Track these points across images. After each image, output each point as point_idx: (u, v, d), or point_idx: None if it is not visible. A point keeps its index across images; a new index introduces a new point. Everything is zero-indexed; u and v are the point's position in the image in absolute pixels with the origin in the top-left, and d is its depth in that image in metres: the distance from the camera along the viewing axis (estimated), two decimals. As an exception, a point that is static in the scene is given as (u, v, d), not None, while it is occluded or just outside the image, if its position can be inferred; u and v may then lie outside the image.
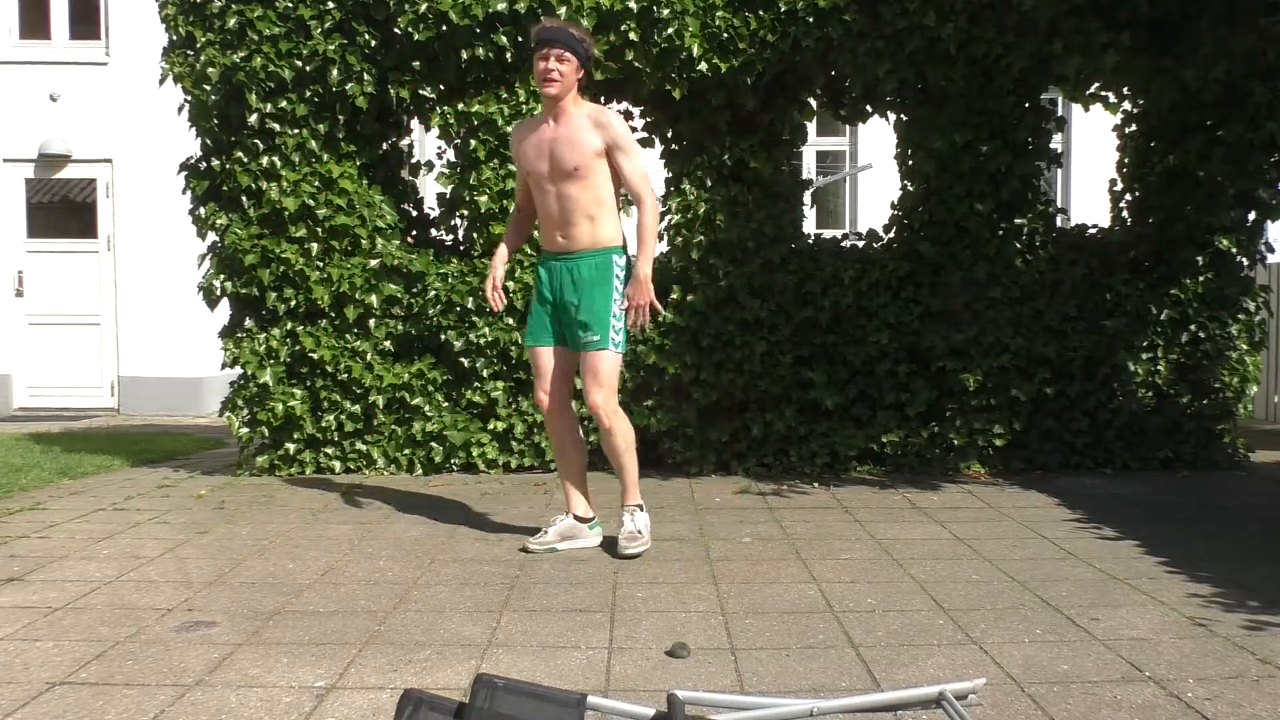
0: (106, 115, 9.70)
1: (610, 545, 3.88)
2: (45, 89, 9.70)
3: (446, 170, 5.49)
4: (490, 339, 5.37)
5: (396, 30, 5.25)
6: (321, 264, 5.38)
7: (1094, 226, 5.87)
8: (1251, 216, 5.55)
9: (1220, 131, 5.38)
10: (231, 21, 5.25)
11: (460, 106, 5.38)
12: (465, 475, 5.49)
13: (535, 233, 4.05)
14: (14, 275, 9.82)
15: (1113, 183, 5.91)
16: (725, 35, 5.18)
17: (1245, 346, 5.59)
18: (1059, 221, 5.95)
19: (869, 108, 5.66)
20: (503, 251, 3.93)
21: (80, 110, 9.71)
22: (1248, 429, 6.85)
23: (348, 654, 2.74)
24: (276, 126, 5.34)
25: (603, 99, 5.56)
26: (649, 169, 3.86)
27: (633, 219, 6.27)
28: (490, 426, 5.48)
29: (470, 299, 5.35)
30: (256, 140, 5.34)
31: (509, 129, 5.31)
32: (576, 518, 3.92)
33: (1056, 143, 6.78)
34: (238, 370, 5.52)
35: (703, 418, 5.52)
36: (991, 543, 3.97)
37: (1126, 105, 5.78)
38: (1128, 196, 5.81)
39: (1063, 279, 5.50)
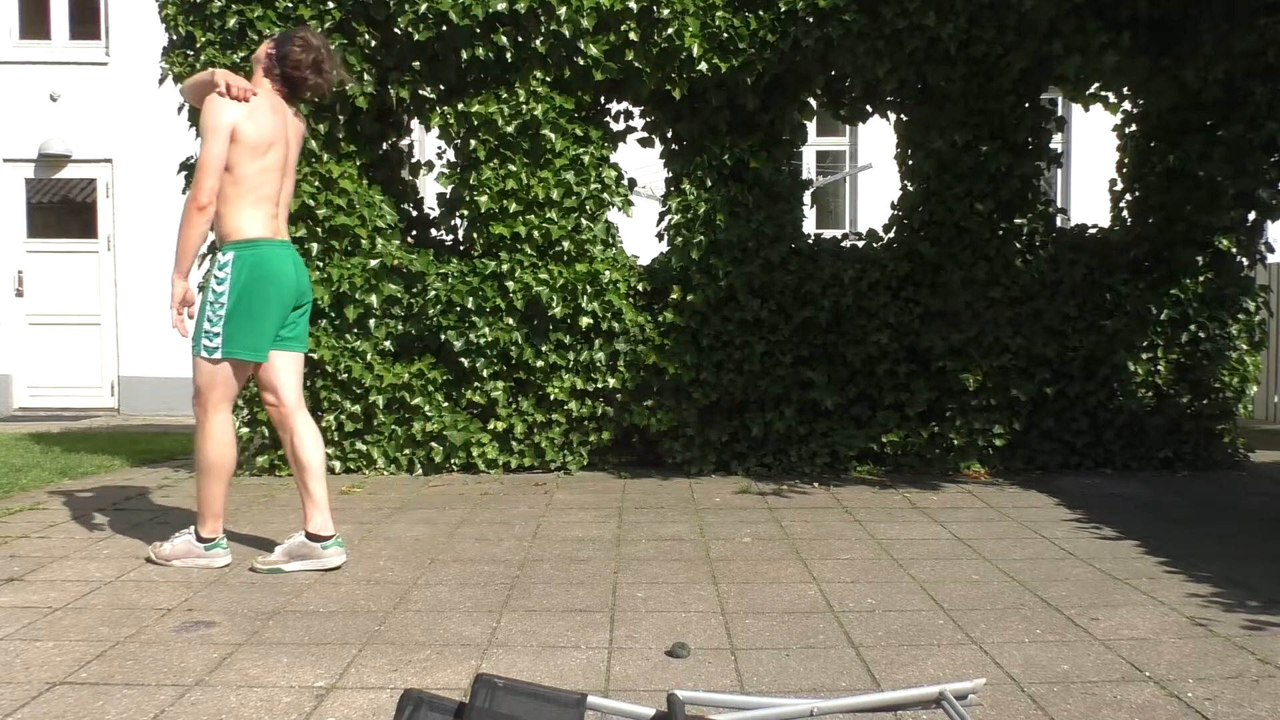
0: (106, 115, 9.71)
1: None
2: (45, 89, 9.70)
3: (446, 170, 5.49)
4: (490, 339, 5.37)
5: (396, 30, 5.25)
6: (321, 264, 5.38)
7: (1094, 226, 5.87)
8: (1251, 216, 5.55)
9: (1220, 131, 5.38)
10: (231, 21, 5.25)
11: (460, 106, 5.38)
12: (465, 475, 5.49)
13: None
14: (14, 275, 9.82)
15: (1113, 183, 5.91)
16: (725, 35, 5.18)
17: (1245, 346, 5.59)
18: (1059, 221, 5.95)
19: (869, 108, 5.66)
20: None
21: (80, 110, 9.71)
22: (1248, 429, 6.86)
23: (348, 654, 2.74)
24: (276, 126, 5.33)
25: (603, 99, 5.57)
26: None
27: (632, 219, 6.25)
28: (490, 426, 5.48)
29: (470, 299, 5.35)
30: (256, 140, 5.34)
31: (509, 129, 5.32)
32: (310, 535, 3.59)
33: (1056, 143, 6.77)
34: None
35: (702, 418, 5.52)
36: (991, 543, 3.97)
37: (1126, 105, 5.78)
38: (1128, 196, 5.81)
39: (1062, 279, 5.50)
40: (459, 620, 3.03)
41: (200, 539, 3.61)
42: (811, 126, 10.11)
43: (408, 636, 2.88)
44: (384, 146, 5.68)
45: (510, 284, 5.36)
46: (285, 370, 3.62)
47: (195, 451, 3.54)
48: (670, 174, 5.61)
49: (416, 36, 5.21)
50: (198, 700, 2.42)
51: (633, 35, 5.20)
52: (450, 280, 5.40)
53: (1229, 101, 5.34)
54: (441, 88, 5.44)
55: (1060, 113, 7.88)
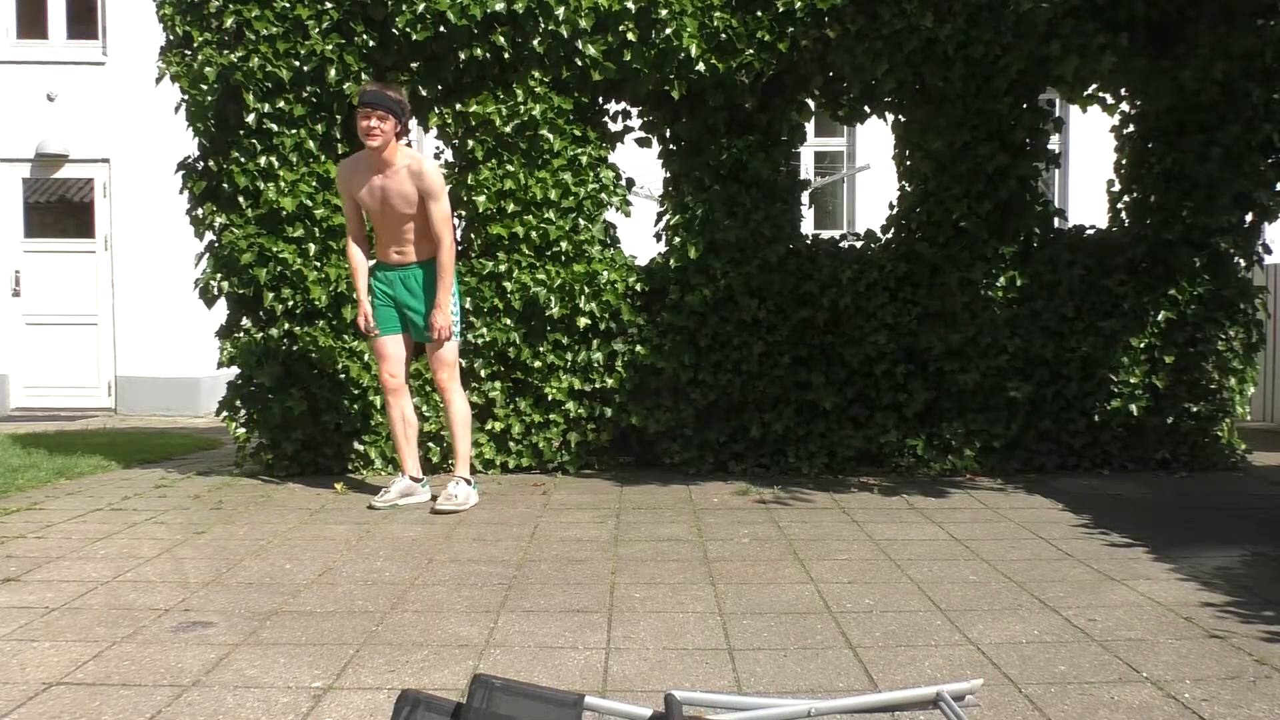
0: (104, 115, 9.69)
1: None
2: (43, 88, 9.68)
3: (444, 170, 5.48)
4: (488, 339, 5.37)
5: (394, 30, 5.24)
6: (319, 264, 5.37)
7: (1091, 227, 5.87)
8: (1249, 218, 5.55)
9: (1218, 133, 5.38)
10: (229, 21, 5.25)
11: (458, 106, 5.38)
12: (463, 475, 5.48)
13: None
14: (11, 275, 9.80)
15: (1110, 184, 5.91)
16: (723, 36, 5.18)
17: (1242, 348, 5.59)
18: (1056, 222, 5.95)
19: (867, 108, 5.66)
20: (362, 283, 4.69)
21: (77, 110, 9.70)
22: (1245, 430, 6.86)
23: (345, 654, 2.74)
24: (274, 126, 5.32)
25: (601, 99, 5.57)
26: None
27: (630, 219, 6.28)
28: (488, 427, 5.48)
29: (468, 299, 5.35)
30: (254, 140, 5.33)
31: (507, 129, 5.32)
32: (412, 479, 4.77)
33: (1054, 144, 6.77)
34: (235, 370, 5.51)
35: (700, 418, 5.52)
36: (989, 543, 3.97)
37: (1124, 106, 5.78)
38: (1125, 198, 5.81)
39: (1060, 280, 5.50)
40: (456, 621, 3.02)
41: (467, 481, 4.70)
42: (810, 127, 10.12)
43: (405, 637, 2.88)
44: (382, 146, 5.67)
45: (508, 284, 5.36)
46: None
47: (454, 411, 4.69)
48: (668, 174, 5.60)
49: (414, 36, 5.21)
50: (195, 701, 2.42)
51: (631, 35, 5.20)
52: (448, 280, 5.38)
53: (1226, 103, 5.35)
54: (439, 88, 5.44)
55: (1058, 114, 7.89)
